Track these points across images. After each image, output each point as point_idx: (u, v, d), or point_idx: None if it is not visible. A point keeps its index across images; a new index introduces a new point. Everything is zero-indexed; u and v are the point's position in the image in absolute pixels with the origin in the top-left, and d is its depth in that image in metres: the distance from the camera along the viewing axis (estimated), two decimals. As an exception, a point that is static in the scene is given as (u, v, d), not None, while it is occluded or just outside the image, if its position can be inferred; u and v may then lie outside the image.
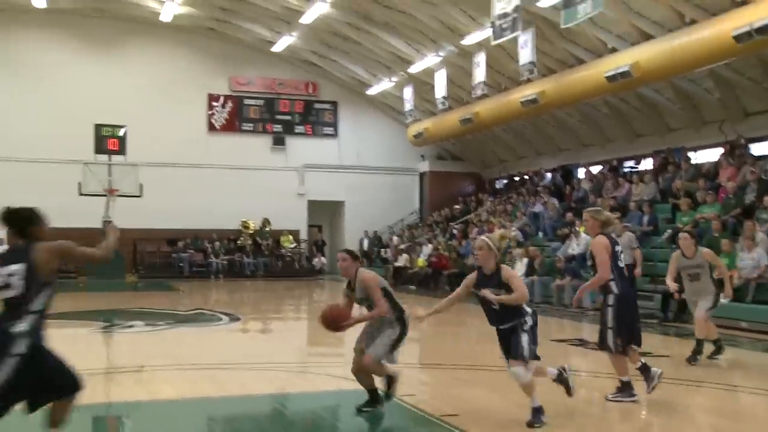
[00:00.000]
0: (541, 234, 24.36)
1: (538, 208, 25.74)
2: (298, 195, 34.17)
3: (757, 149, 21.15)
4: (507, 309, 6.89)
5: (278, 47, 32.55)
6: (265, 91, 34.37)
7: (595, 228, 8.29)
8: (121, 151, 28.28)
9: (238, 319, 16.94)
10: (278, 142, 34.44)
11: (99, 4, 31.00)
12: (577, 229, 20.57)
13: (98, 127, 28.37)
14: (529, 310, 7.01)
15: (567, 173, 28.37)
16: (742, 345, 12.92)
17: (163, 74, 32.86)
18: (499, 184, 33.84)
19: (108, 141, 28.33)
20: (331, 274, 32.92)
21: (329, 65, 33.81)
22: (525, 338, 6.84)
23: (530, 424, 6.76)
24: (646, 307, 16.18)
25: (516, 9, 17.92)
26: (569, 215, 22.60)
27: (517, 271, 6.84)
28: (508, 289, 6.85)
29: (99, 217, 27.53)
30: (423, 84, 29.82)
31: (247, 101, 34.23)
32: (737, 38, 16.50)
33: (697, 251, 10.62)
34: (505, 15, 18.42)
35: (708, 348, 10.76)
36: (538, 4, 20.28)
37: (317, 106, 35.22)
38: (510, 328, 6.93)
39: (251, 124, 34.32)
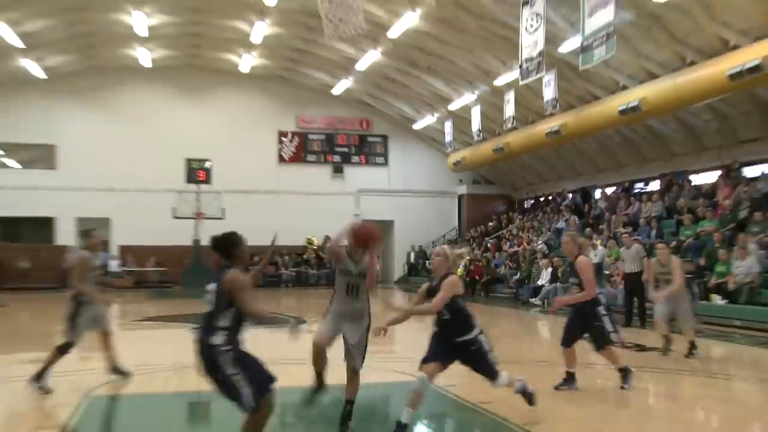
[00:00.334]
0: (560, 247, 24.31)
1: (560, 224, 25.64)
2: (354, 215, 34.10)
3: (750, 172, 20.95)
4: (456, 321, 6.19)
5: (337, 90, 32.94)
6: (326, 127, 34.70)
7: (574, 249, 7.94)
8: (207, 180, 28.84)
9: (304, 322, 17.14)
10: (337, 170, 34.71)
11: (191, 60, 31.88)
12: (594, 242, 20.51)
13: (189, 161, 29.04)
14: (477, 327, 6.27)
15: (585, 194, 28.21)
16: (736, 340, 12.92)
17: (242, 115, 33.49)
18: (527, 204, 33.67)
19: (197, 172, 28.92)
20: (384, 282, 33.09)
21: (380, 104, 34.07)
22: (491, 357, 6.24)
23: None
24: (649, 307, 16.12)
25: (540, 54, 17.99)
26: (588, 230, 22.55)
27: (457, 283, 6.20)
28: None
29: (189, 236, 28.22)
30: (461, 119, 29.80)
31: (311, 136, 34.60)
32: (731, 77, 16.53)
33: (669, 259, 10.62)
34: (530, 59, 18.47)
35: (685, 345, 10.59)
36: (560, 50, 20.36)
37: (370, 139, 35.40)
38: (470, 346, 6.20)
39: (314, 156, 34.65)
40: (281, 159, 34.22)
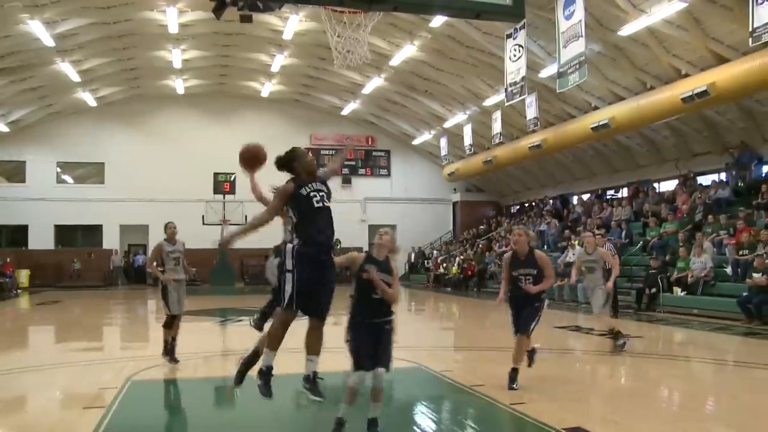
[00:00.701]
0: (545, 246, 24.31)
1: (543, 227, 25.69)
2: (361, 221, 34.26)
3: (703, 180, 21.06)
4: (384, 301, 5.07)
5: (345, 111, 33.04)
6: (336, 144, 34.61)
7: (526, 243, 7.08)
8: (232, 191, 28.87)
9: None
10: (346, 181, 34.71)
11: (219, 87, 32.00)
12: (572, 242, 20.52)
13: (216, 175, 29.14)
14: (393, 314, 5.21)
15: (564, 200, 28.21)
16: (693, 327, 12.91)
17: (262, 134, 33.01)
18: (513, 209, 33.70)
19: (223, 185, 29.01)
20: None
21: (383, 123, 34.13)
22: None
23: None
24: (624, 300, 16.16)
25: (523, 79, 18.07)
26: (566, 232, 22.56)
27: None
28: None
29: (216, 240, 28.20)
30: (454, 135, 29.94)
31: (323, 152, 34.60)
32: (684, 100, 16.91)
33: (596, 249, 9.67)
34: (514, 83, 18.53)
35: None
36: (539, 75, 20.45)
37: (375, 153, 35.44)
38: (386, 326, 5.11)
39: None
40: (297, 172, 34.16)
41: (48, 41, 21.85)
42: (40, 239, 31.36)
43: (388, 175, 35.62)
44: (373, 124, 34.61)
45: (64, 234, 32.22)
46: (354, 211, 33.99)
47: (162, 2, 21.30)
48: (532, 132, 23.61)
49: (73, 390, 7.41)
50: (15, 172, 31.66)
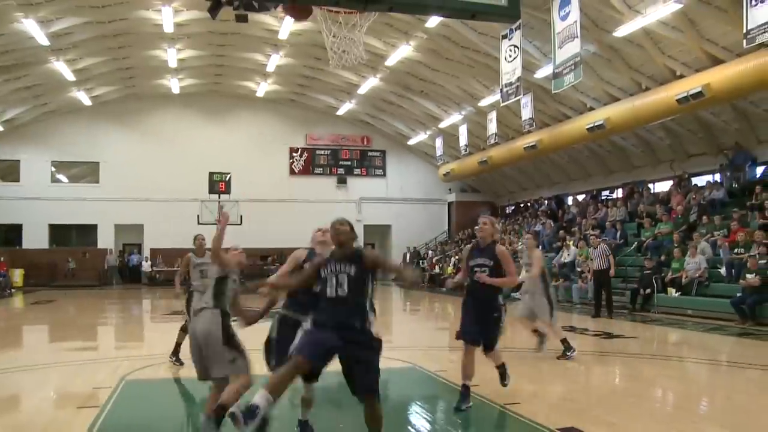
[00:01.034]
0: (540, 247, 24.30)
1: (538, 227, 25.68)
2: (357, 221, 34.03)
3: (697, 181, 21.11)
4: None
5: (341, 111, 32.97)
6: (331, 143, 34.71)
7: (491, 234, 6.33)
8: (227, 191, 28.75)
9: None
10: (341, 181, 34.72)
11: (214, 87, 31.92)
12: (567, 243, 20.57)
13: (211, 174, 28.97)
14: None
15: (559, 201, 28.27)
16: (688, 327, 12.95)
17: (257, 134, 33.57)
18: (509, 210, 33.69)
19: (218, 184, 28.79)
20: (382, 279, 33.04)
21: (379, 123, 34.10)
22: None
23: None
24: (619, 300, 16.18)
25: (518, 79, 18.08)
26: (561, 232, 22.59)
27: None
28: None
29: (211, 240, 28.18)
30: (450, 135, 29.90)
31: (318, 152, 34.64)
32: (679, 101, 16.90)
33: (532, 251, 9.28)
34: (510, 84, 18.55)
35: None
36: (535, 76, 20.46)
37: (370, 153, 35.39)
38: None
39: (321, 169, 34.65)
40: (292, 172, 34.24)
41: (42, 40, 21.79)
42: (35, 238, 31.25)
43: (384, 175, 35.57)
44: (368, 124, 34.57)
45: (59, 233, 32.15)
46: (349, 211, 33.75)
47: (157, 1, 21.27)
48: (527, 132, 23.61)
49: (67, 389, 7.40)
50: (9, 171, 31.55)
